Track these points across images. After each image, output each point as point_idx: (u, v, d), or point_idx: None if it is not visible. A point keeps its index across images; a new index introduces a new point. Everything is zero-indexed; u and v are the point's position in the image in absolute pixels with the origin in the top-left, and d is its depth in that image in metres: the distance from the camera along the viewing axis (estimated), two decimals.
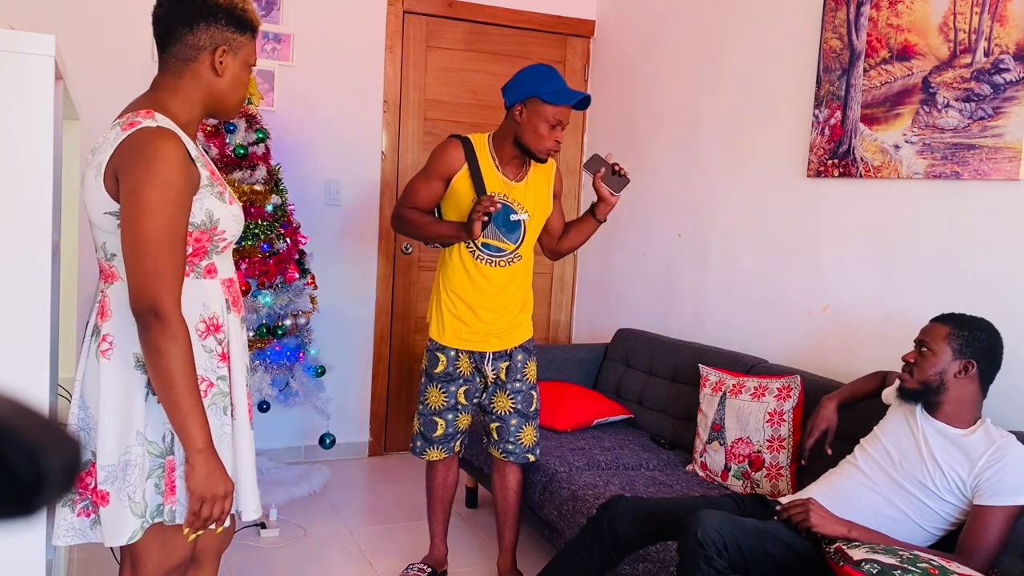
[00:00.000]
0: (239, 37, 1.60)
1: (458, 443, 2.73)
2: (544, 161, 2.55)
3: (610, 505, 2.30)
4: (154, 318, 1.45)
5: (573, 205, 4.40)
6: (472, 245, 2.56)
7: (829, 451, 2.30)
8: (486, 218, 2.40)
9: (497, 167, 2.55)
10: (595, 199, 2.62)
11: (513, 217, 2.55)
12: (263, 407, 3.28)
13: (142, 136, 1.47)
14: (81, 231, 2.48)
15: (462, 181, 2.53)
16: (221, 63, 1.58)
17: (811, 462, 2.37)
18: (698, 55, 3.57)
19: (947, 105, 2.47)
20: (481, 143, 2.57)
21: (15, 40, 1.50)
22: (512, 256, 2.59)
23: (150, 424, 1.55)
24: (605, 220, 2.68)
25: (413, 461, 4.11)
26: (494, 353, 2.65)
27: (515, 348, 2.67)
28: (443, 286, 2.64)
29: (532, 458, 2.72)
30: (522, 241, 2.60)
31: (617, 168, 2.54)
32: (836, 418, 2.33)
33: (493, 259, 2.57)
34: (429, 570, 2.83)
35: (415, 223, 2.58)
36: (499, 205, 2.47)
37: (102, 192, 1.50)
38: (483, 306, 2.59)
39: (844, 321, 2.83)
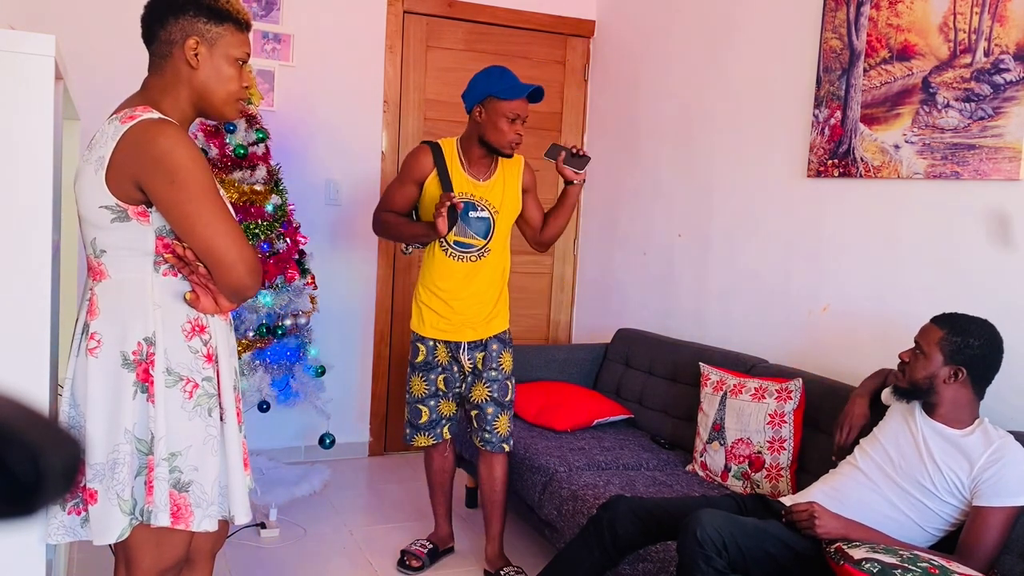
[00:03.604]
0: (214, 28, 1.58)
1: (445, 429, 2.88)
2: (510, 155, 2.70)
3: (610, 505, 2.30)
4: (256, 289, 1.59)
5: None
6: (444, 243, 2.71)
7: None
8: (444, 211, 2.53)
9: (464, 168, 2.71)
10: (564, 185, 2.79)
11: (473, 214, 2.69)
12: (263, 407, 3.27)
13: (146, 132, 1.48)
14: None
15: (432, 184, 2.71)
16: (196, 55, 1.57)
17: (811, 463, 2.37)
18: (698, 55, 3.57)
19: (947, 105, 2.47)
20: (449, 146, 2.74)
21: (15, 40, 1.50)
22: (482, 251, 2.74)
23: (139, 422, 1.56)
24: (576, 199, 2.83)
25: (413, 461, 4.11)
26: (469, 343, 2.78)
27: (490, 338, 2.79)
28: (420, 281, 2.82)
29: (507, 447, 2.83)
30: (491, 237, 2.73)
31: (576, 149, 2.70)
32: (869, 414, 2.34)
33: (463, 255, 2.73)
34: (431, 546, 2.99)
35: (390, 224, 2.78)
36: (460, 203, 2.62)
37: (102, 186, 1.50)
38: (456, 298, 2.74)
39: (844, 321, 2.83)
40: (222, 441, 1.65)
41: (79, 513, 1.62)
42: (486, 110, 2.62)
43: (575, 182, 2.74)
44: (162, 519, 1.56)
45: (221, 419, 1.65)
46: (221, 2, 1.59)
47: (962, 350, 2.01)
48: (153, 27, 1.58)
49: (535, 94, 2.62)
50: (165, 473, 1.56)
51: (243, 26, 1.63)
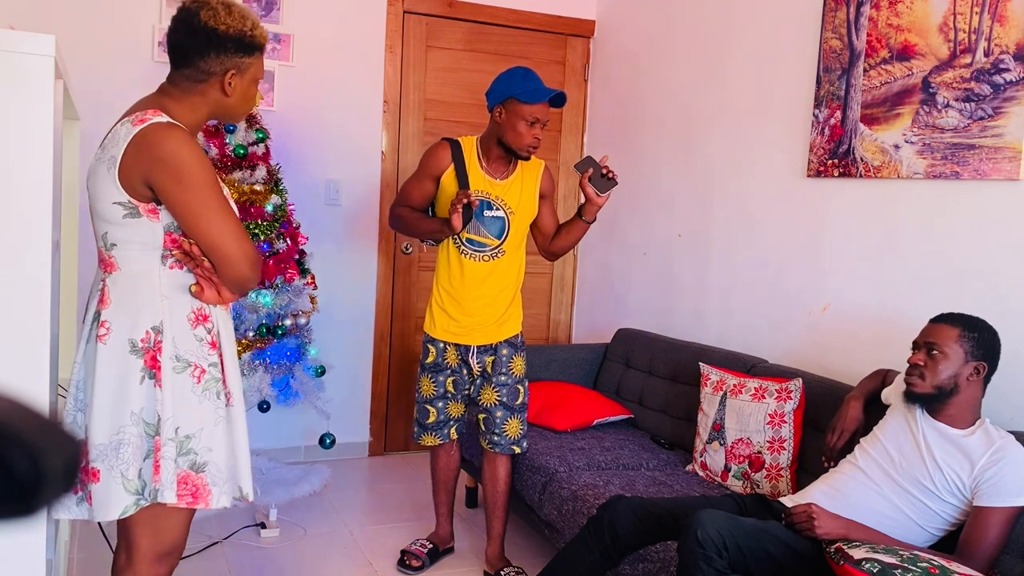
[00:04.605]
0: (247, 59, 1.70)
1: (452, 430, 2.88)
2: (527, 158, 2.67)
3: (610, 505, 2.30)
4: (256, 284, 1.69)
5: (574, 206, 4.40)
6: (458, 240, 2.70)
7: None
8: (460, 207, 2.50)
9: (482, 166, 2.70)
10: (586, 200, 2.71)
11: (488, 213, 2.67)
12: (263, 407, 3.28)
13: (155, 135, 1.58)
14: (81, 230, 2.48)
15: (449, 180, 2.69)
16: (230, 84, 1.69)
17: (811, 463, 2.37)
18: (698, 55, 3.57)
19: (947, 105, 2.47)
20: (469, 144, 2.72)
21: (15, 40, 1.50)
22: (495, 251, 2.72)
23: (146, 406, 1.63)
24: (593, 220, 2.75)
25: (413, 461, 4.11)
26: (479, 347, 2.77)
27: (500, 343, 2.78)
28: (435, 281, 2.81)
29: (518, 450, 2.83)
30: (506, 237, 2.71)
31: (606, 171, 2.60)
32: (863, 417, 2.33)
33: (476, 254, 2.71)
34: (431, 546, 2.99)
35: (406, 220, 2.76)
36: (476, 200, 2.56)
37: (115, 184, 1.59)
38: (468, 299, 2.73)
39: (844, 321, 2.83)
40: (229, 422, 1.73)
41: (76, 492, 1.68)
42: (506, 111, 2.60)
43: (594, 201, 2.63)
44: (168, 496, 1.63)
45: (229, 402, 1.74)
46: (256, 37, 1.70)
47: (981, 344, 2.01)
48: (192, 56, 1.66)
49: (557, 99, 2.58)
50: (172, 452, 1.64)
51: (264, 50, 1.75)
